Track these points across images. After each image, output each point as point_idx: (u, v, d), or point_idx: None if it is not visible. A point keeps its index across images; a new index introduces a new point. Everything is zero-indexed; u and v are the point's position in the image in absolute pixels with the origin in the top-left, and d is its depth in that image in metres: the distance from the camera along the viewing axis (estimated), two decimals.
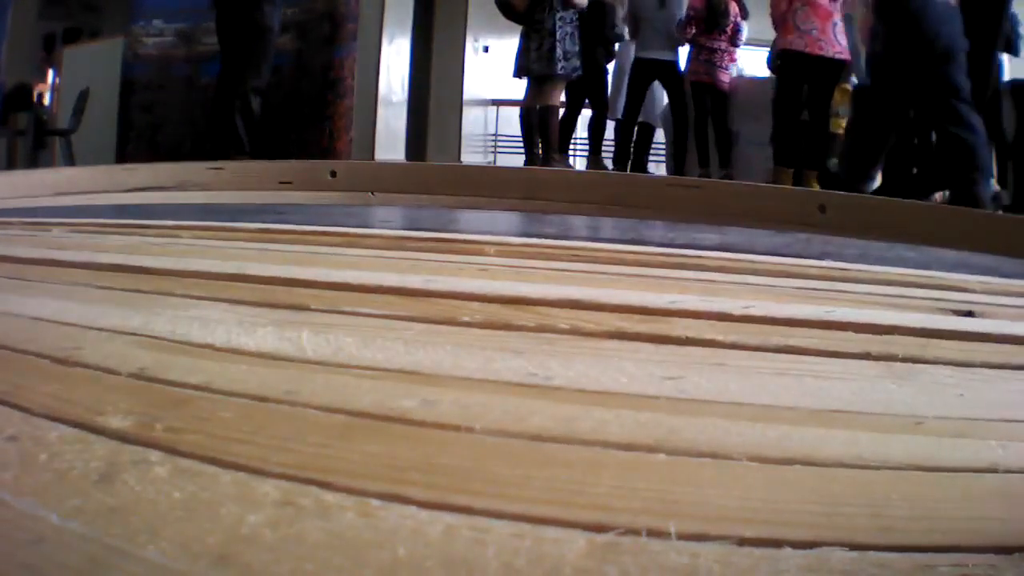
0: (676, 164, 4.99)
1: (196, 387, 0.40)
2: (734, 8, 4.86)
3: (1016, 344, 0.56)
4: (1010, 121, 4.15)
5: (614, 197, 1.66)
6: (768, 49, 4.82)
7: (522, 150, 4.83)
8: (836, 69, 4.36)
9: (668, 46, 4.89)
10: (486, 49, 7.15)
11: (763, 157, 4.65)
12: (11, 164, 5.26)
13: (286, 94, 4.66)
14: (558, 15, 4.41)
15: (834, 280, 0.81)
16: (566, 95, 4.97)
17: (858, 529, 0.28)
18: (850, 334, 0.55)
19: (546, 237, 1.60)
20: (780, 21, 4.39)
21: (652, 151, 5.36)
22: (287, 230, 1.12)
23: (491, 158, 7.47)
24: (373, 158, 4.87)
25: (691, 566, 0.25)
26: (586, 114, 5.37)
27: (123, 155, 4.91)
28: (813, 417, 0.39)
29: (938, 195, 3.68)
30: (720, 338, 0.53)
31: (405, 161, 4.98)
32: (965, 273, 1.01)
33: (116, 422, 0.35)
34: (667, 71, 4.93)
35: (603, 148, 5.30)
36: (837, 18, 4.34)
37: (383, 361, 0.45)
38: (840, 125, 4.67)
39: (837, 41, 4.26)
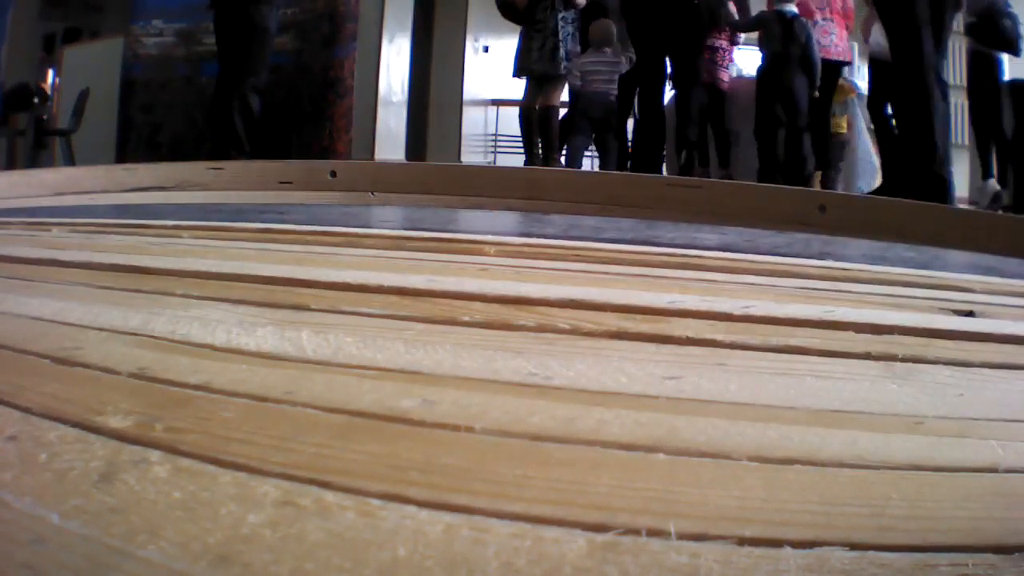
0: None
1: (196, 387, 0.40)
2: (732, 7, 4.85)
3: (1016, 344, 0.56)
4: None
5: (614, 197, 1.66)
6: None
7: (522, 150, 4.82)
8: (827, 69, 4.35)
9: None
10: (486, 49, 7.15)
11: None
12: (11, 164, 5.26)
13: (286, 94, 4.66)
14: (560, 15, 4.40)
15: (834, 280, 0.81)
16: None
17: (858, 529, 0.28)
18: (850, 334, 0.55)
19: (546, 237, 1.60)
20: None
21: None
22: (287, 230, 1.12)
23: (491, 158, 7.46)
24: (373, 158, 4.87)
25: (691, 566, 0.25)
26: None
27: (123, 155, 4.91)
28: (813, 417, 0.39)
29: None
30: (720, 338, 0.53)
31: (405, 161, 4.97)
32: (965, 273, 1.01)
33: (116, 422, 0.35)
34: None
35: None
36: (819, 17, 4.34)
37: (383, 361, 0.45)
38: (840, 125, 4.67)
39: (818, 41, 4.26)
